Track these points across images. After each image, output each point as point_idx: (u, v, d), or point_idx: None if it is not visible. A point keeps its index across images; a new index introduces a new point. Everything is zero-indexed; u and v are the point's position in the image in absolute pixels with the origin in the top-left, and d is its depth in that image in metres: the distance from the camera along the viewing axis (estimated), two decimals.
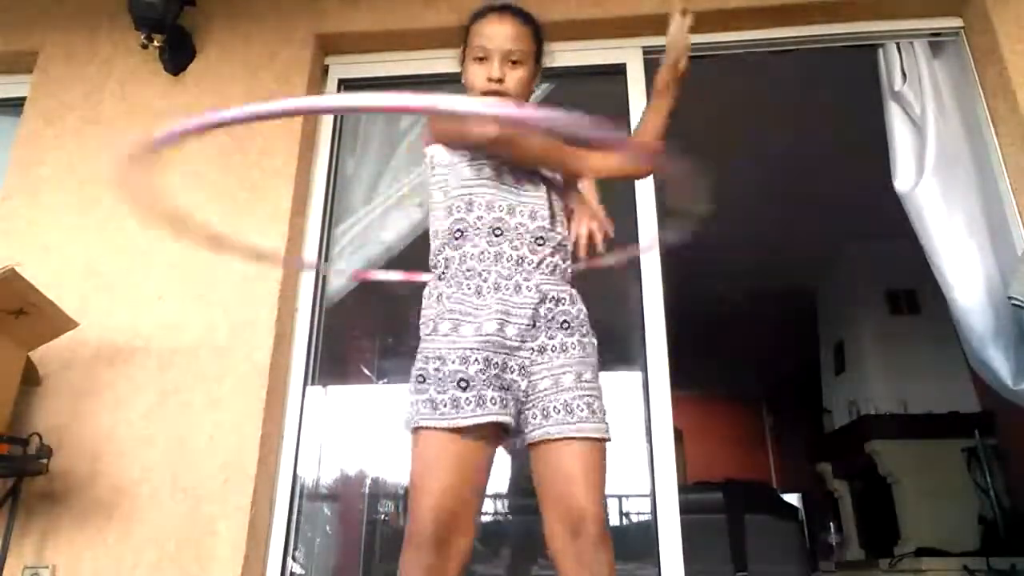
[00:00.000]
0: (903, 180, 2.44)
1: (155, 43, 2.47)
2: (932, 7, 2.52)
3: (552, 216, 1.42)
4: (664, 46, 1.49)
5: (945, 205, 2.36)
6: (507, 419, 1.28)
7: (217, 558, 1.99)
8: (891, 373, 5.26)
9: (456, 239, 1.39)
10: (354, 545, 3.26)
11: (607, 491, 1.31)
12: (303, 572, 2.29)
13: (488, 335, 1.30)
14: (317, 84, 2.66)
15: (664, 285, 2.29)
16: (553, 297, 1.38)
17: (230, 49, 2.65)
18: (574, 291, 1.43)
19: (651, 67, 2.53)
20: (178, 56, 2.59)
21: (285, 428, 2.27)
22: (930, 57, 2.52)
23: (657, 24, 2.55)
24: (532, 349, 1.34)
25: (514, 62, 1.46)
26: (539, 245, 1.39)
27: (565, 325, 1.37)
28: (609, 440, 1.33)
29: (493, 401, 1.27)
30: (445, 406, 1.26)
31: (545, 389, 1.32)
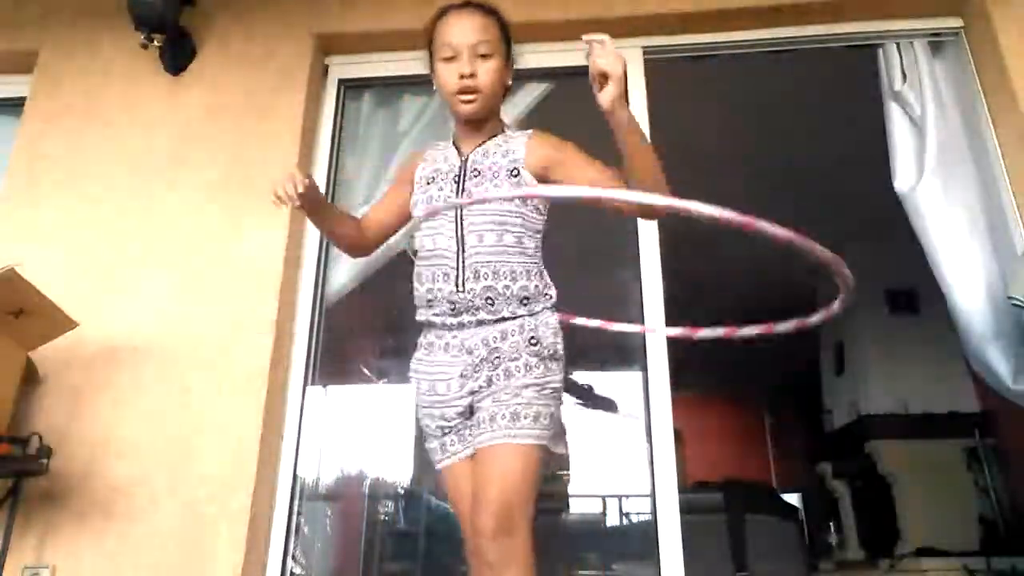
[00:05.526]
0: (903, 180, 2.44)
1: (155, 43, 2.47)
2: (932, 7, 2.52)
3: (460, 280, 1.39)
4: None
5: (945, 205, 2.36)
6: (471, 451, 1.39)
7: (217, 558, 1.99)
8: (891, 373, 5.25)
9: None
10: (354, 545, 3.27)
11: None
12: (303, 572, 2.29)
13: (429, 394, 1.44)
14: (317, 84, 2.66)
15: (664, 285, 2.29)
16: (482, 342, 1.39)
17: (230, 49, 2.64)
18: (523, 318, 1.39)
19: (651, 67, 2.53)
20: (178, 56, 2.59)
21: (285, 428, 2.26)
22: (930, 57, 2.52)
23: (657, 24, 2.58)
24: (468, 392, 1.39)
25: (483, 55, 1.46)
26: (452, 309, 1.41)
27: (497, 362, 1.37)
28: (517, 443, 1.29)
29: (452, 442, 1.42)
30: (434, 453, 1.47)
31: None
